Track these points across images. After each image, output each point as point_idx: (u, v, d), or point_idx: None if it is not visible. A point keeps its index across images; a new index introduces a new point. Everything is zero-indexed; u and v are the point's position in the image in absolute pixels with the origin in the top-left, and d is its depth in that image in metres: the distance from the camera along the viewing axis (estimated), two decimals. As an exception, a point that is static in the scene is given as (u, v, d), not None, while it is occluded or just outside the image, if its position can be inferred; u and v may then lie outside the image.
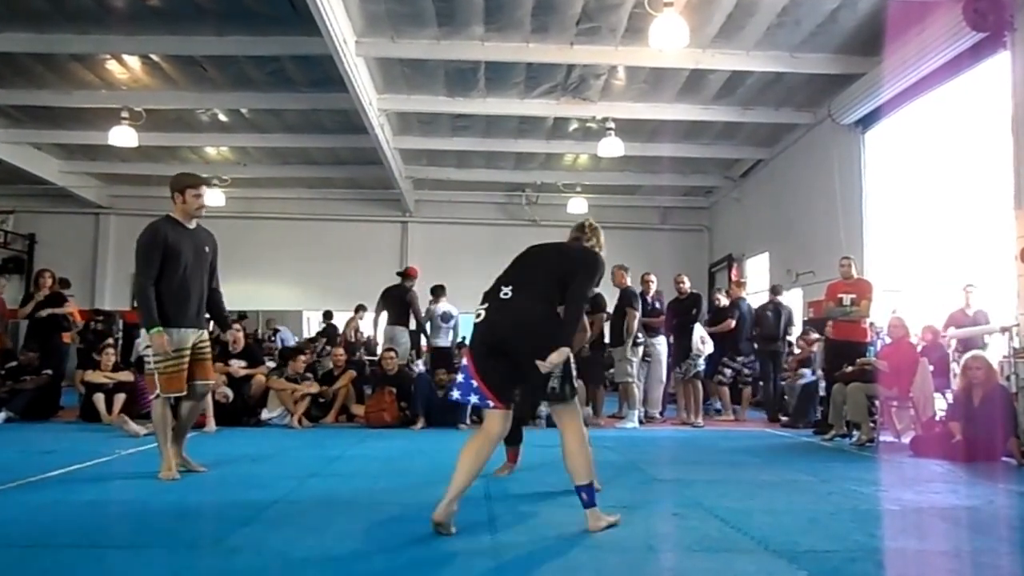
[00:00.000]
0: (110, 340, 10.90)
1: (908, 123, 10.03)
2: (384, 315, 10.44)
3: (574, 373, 3.87)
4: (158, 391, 5.04)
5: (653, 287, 9.69)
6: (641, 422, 9.02)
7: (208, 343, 5.37)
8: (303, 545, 3.45)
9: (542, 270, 3.85)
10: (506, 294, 3.74)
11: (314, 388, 8.93)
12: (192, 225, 5.20)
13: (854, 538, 3.69)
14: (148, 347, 5.04)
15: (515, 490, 4.83)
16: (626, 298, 9.10)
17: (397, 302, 10.23)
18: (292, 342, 14.18)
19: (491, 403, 3.73)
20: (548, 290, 3.75)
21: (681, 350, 9.51)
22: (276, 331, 15.01)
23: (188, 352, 5.13)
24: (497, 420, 3.75)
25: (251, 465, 5.82)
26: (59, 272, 10.29)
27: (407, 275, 10.50)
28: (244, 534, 3.63)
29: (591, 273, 3.88)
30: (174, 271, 5.02)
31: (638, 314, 8.99)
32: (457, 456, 3.71)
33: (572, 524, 3.87)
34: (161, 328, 4.95)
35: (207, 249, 5.28)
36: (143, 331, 5.06)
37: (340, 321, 14.29)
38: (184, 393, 5.14)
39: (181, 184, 5.17)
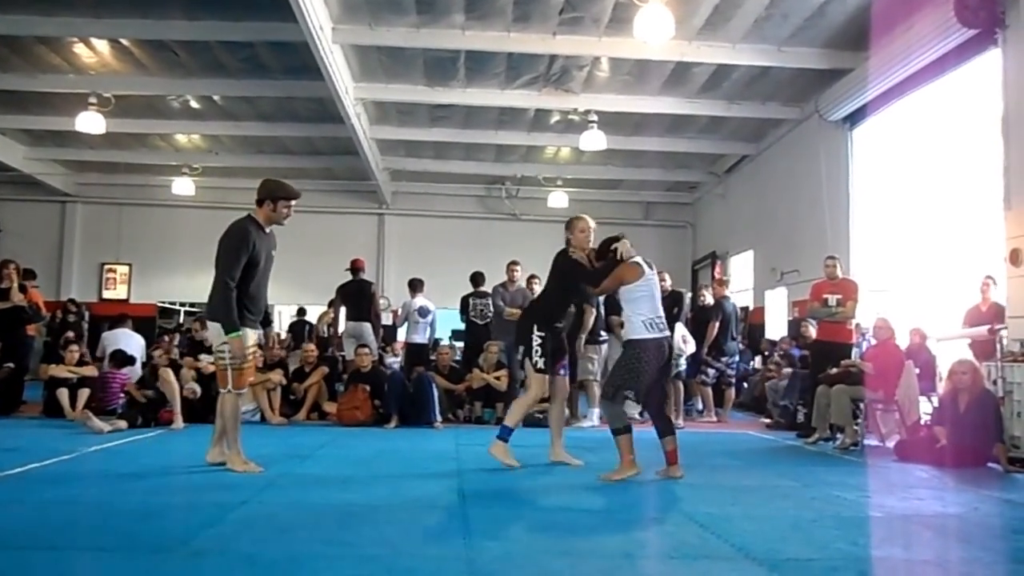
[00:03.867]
0: (71, 334, 10.63)
1: (896, 120, 9.90)
2: (343, 311, 10.07)
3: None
4: (229, 386, 5.08)
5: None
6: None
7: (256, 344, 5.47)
8: (271, 547, 3.37)
9: None
10: None
11: (276, 377, 8.61)
12: (268, 230, 5.23)
13: (836, 546, 3.64)
14: (225, 343, 5.03)
15: (490, 494, 4.77)
16: None
17: (361, 298, 9.87)
18: None
19: None
20: None
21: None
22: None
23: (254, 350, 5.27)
24: None
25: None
26: (24, 262, 9.95)
27: (360, 268, 10.13)
28: (210, 536, 3.55)
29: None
30: (252, 275, 5.07)
31: (594, 312, 8.70)
32: None
33: (549, 529, 3.88)
34: (240, 332, 4.98)
35: (273, 253, 5.34)
36: (210, 324, 5.17)
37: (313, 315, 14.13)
38: (246, 390, 5.28)
39: (276, 194, 5.15)
